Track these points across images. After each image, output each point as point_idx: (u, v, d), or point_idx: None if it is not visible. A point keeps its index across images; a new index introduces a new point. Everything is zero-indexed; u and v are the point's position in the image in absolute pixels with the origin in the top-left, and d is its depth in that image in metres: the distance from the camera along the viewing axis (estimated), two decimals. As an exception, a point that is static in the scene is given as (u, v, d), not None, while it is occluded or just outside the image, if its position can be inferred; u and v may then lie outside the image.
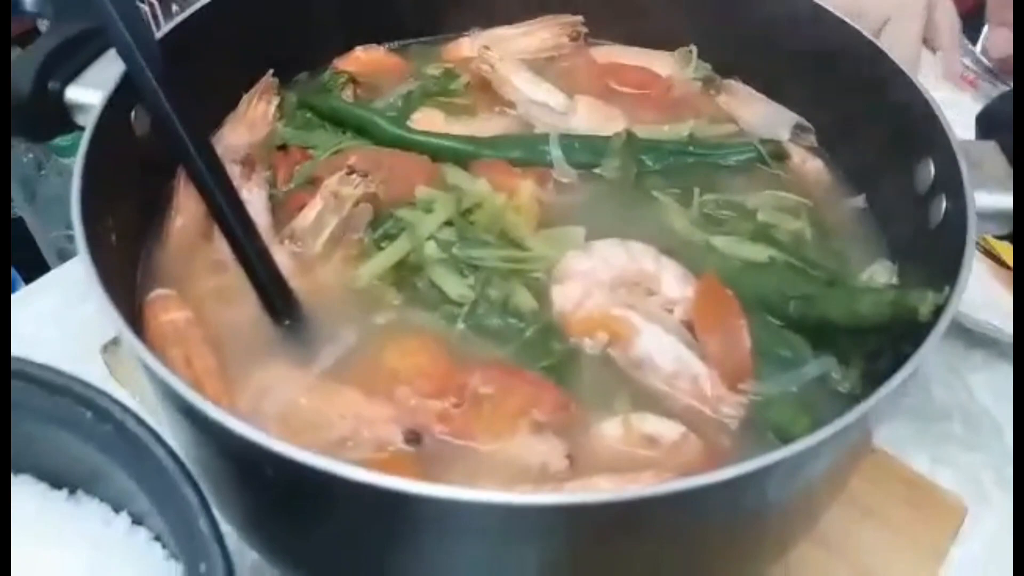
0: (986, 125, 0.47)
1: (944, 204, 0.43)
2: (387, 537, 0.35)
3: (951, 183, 0.43)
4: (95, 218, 0.39)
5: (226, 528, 0.42)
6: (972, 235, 0.39)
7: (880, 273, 0.48)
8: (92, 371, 0.55)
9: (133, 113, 0.45)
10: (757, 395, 0.42)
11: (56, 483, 0.41)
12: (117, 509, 0.41)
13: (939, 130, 0.44)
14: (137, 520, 0.40)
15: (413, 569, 0.37)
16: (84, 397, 0.36)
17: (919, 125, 0.46)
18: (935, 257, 0.42)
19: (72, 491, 0.42)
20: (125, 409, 0.35)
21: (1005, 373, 0.61)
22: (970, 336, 0.62)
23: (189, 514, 0.33)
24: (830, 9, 0.53)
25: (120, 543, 0.39)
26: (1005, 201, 0.42)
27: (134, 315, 0.44)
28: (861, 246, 0.51)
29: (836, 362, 0.43)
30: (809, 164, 0.55)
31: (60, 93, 0.44)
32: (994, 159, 0.44)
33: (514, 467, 0.39)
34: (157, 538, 0.39)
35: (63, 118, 0.45)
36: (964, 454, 0.57)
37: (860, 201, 0.53)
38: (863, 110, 0.52)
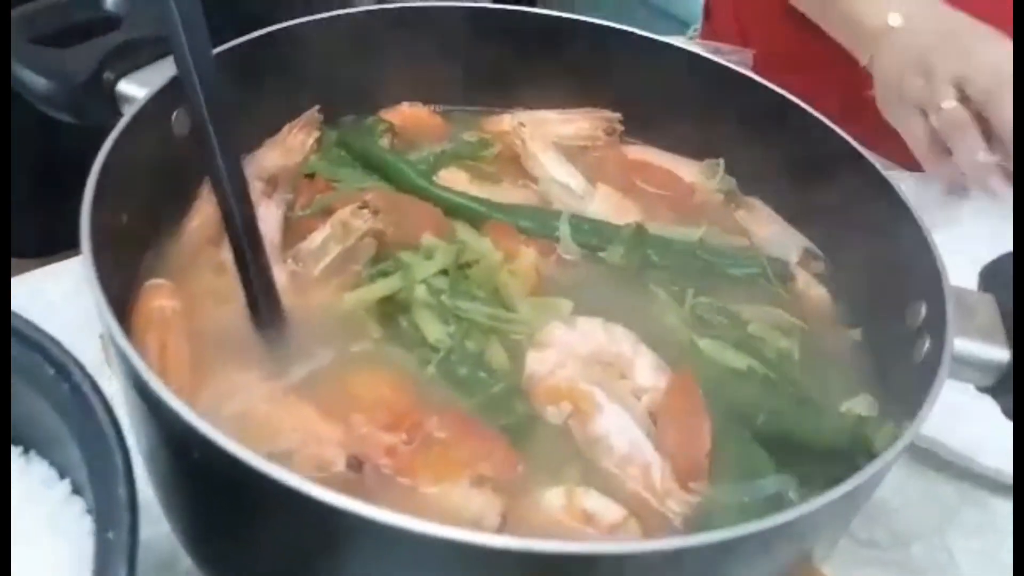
0: (988, 280, 0.47)
1: (927, 344, 0.43)
2: (307, 551, 0.35)
3: (937, 326, 0.43)
4: (109, 197, 0.42)
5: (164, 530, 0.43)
6: (943, 374, 0.38)
7: (860, 406, 0.47)
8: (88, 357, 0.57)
9: (175, 114, 0.48)
10: (706, 498, 0.41)
11: (15, 439, 0.43)
12: (62, 476, 0.41)
13: (935, 273, 0.45)
14: (77, 491, 0.41)
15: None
16: (50, 354, 0.37)
17: (919, 267, 0.47)
18: (913, 396, 0.42)
19: (26, 450, 0.43)
20: (84, 372, 0.37)
21: (991, 541, 0.59)
22: (963, 493, 0.60)
23: (112, 480, 0.33)
24: (864, 153, 0.54)
25: (56, 509, 0.40)
26: (991, 353, 0.42)
27: (128, 299, 0.46)
28: (848, 377, 0.50)
29: (796, 483, 0.42)
30: (813, 290, 0.56)
31: (113, 84, 0.48)
32: (988, 311, 0.44)
33: (447, 514, 0.39)
34: (89, 511, 0.40)
35: (112, 108, 0.48)
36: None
37: (856, 334, 0.53)
38: (871, 246, 0.52)
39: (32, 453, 0.43)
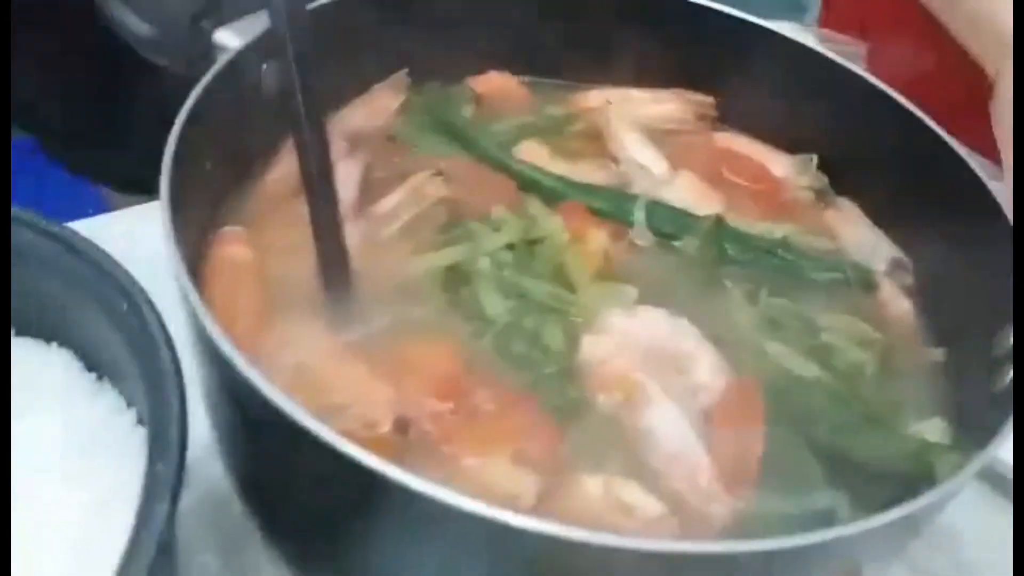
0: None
1: (1009, 375, 0.40)
2: (342, 510, 0.36)
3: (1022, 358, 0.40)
4: (195, 142, 0.43)
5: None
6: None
7: (930, 429, 0.45)
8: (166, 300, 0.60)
9: (265, 67, 0.49)
10: (752, 505, 0.40)
11: (91, 366, 0.45)
12: (129, 405, 0.44)
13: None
14: (140, 422, 0.43)
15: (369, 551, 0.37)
16: (125, 290, 0.39)
17: (1013, 290, 0.43)
18: (986, 426, 0.39)
19: (99, 377, 0.45)
20: (154, 312, 0.38)
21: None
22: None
23: (167, 419, 0.35)
24: (970, 163, 0.50)
25: (122, 436, 0.42)
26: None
27: (204, 243, 0.47)
28: (923, 399, 0.48)
29: (848, 501, 0.41)
30: (896, 303, 0.53)
31: (210, 32, 0.49)
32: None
33: (484, 487, 0.39)
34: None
35: (207, 55, 0.49)
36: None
37: (939, 355, 0.50)
38: (966, 262, 0.49)
39: (105, 380, 0.45)
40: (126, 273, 0.39)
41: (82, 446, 0.41)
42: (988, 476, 0.58)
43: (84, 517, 0.39)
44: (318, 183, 0.46)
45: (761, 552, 0.31)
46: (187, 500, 0.51)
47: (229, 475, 0.45)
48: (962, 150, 0.50)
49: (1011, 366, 0.40)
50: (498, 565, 0.33)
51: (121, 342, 0.39)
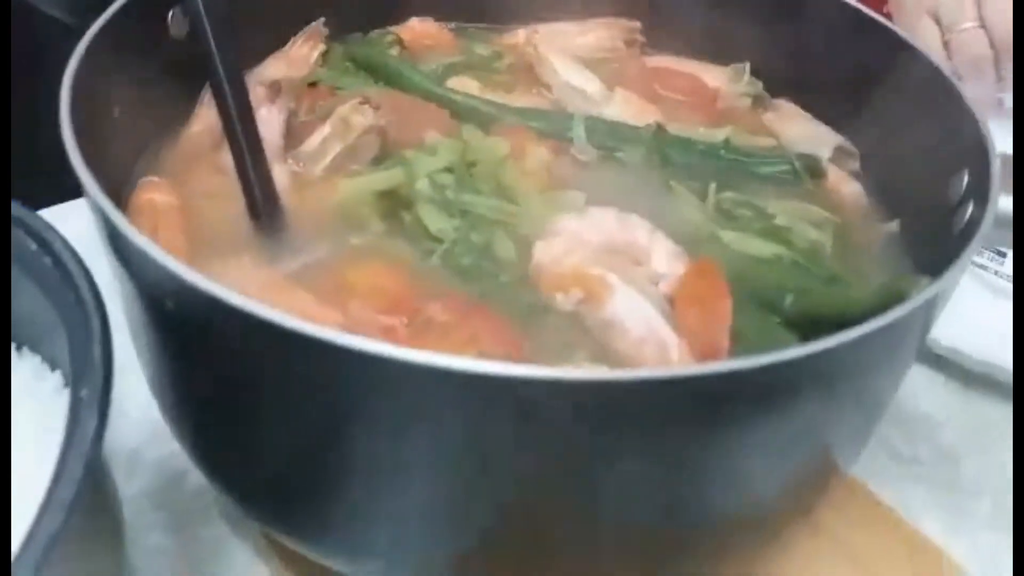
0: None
1: (970, 210, 0.39)
2: (314, 414, 0.33)
3: (981, 188, 0.39)
4: (95, 85, 0.40)
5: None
6: (988, 221, 0.35)
7: (897, 289, 0.44)
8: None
9: (171, 13, 0.47)
10: (728, 378, 0.38)
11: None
12: (52, 368, 0.40)
13: (979, 141, 0.41)
14: (67, 383, 0.40)
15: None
16: (30, 227, 0.36)
17: (962, 138, 0.43)
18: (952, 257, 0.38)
19: (19, 347, 0.42)
20: (65, 244, 0.36)
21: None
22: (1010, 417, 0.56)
23: (89, 341, 0.32)
24: (887, 24, 0.50)
25: (47, 400, 0.39)
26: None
27: (120, 196, 0.45)
28: (884, 266, 0.47)
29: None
30: (846, 187, 0.52)
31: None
32: (1034, 174, 0.40)
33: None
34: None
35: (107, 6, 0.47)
36: (987, 533, 0.50)
37: (894, 226, 0.49)
38: (908, 128, 0.48)
39: (25, 349, 0.42)
40: (32, 213, 0.36)
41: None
42: (956, 370, 0.58)
43: (19, 485, 0.35)
44: (239, 123, 0.44)
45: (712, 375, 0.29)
46: (136, 485, 0.49)
47: (176, 435, 0.42)
48: (879, 16, 0.50)
49: (969, 204, 0.40)
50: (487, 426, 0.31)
51: (34, 288, 0.36)
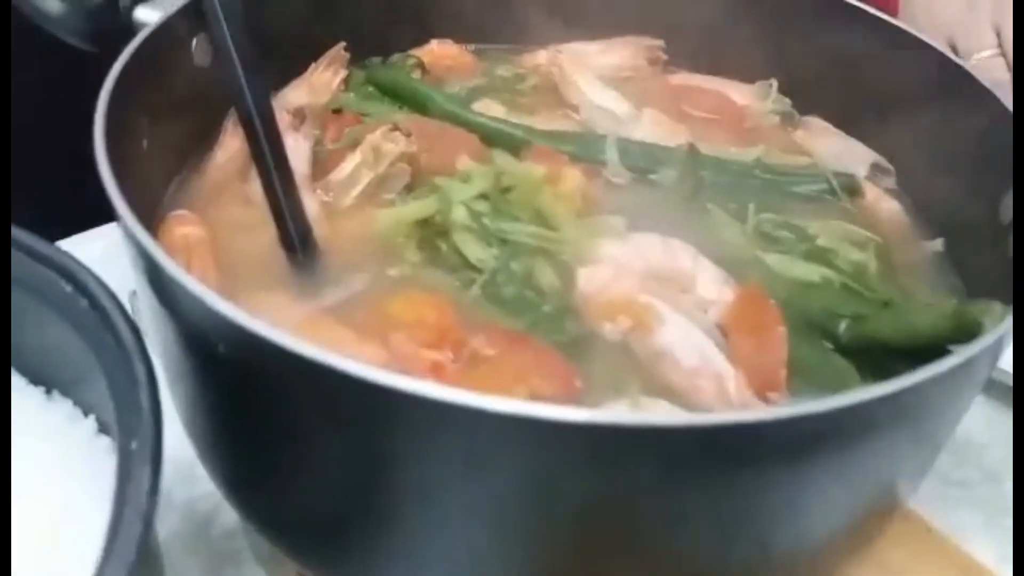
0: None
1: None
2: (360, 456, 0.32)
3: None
4: (126, 119, 0.39)
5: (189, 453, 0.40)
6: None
7: (949, 312, 0.43)
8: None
9: (195, 41, 0.46)
10: (788, 409, 0.37)
11: (37, 379, 0.40)
12: (86, 414, 0.39)
13: (1028, 157, 0.40)
14: (103, 430, 0.38)
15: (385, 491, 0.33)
16: (64, 268, 0.34)
17: (1006, 154, 0.42)
18: (1009, 287, 0.37)
19: (48, 390, 0.40)
20: (100, 283, 0.34)
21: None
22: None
23: (133, 389, 0.30)
24: (914, 33, 0.50)
25: (81, 446, 0.38)
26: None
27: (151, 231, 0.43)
28: (932, 287, 0.46)
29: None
30: (884, 204, 0.51)
31: (129, 11, 0.45)
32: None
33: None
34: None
35: (126, 34, 0.46)
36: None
37: (938, 245, 0.48)
38: (948, 145, 0.48)
39: (55, 393, 0.40)
40: (65, 253, 0.35)
41: (38, 461, 0.36)
42: (996, 390, 0.57)
43: (52, 535, 0.34)
44: (268, 151, 0.43)
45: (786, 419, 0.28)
46: (167, 527, 0.47)
47: (213, 475, 0.40)
48: (915, 31, 0.49)
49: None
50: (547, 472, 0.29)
51: (69, 330, 0.35)
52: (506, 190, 0.47)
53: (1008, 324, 0.31)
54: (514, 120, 0.54)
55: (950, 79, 0.47)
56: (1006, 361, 0.56)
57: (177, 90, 0.46)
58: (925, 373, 0.28)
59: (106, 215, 0.35)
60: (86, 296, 0.34)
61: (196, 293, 0.30)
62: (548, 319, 0.41)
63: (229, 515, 0.47)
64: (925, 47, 0.49)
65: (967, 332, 0.33)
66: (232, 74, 0.43)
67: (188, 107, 0.47)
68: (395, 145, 0.46)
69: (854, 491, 0.34)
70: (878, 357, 0.39)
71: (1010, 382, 0.56)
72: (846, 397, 0.28)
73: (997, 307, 0.33)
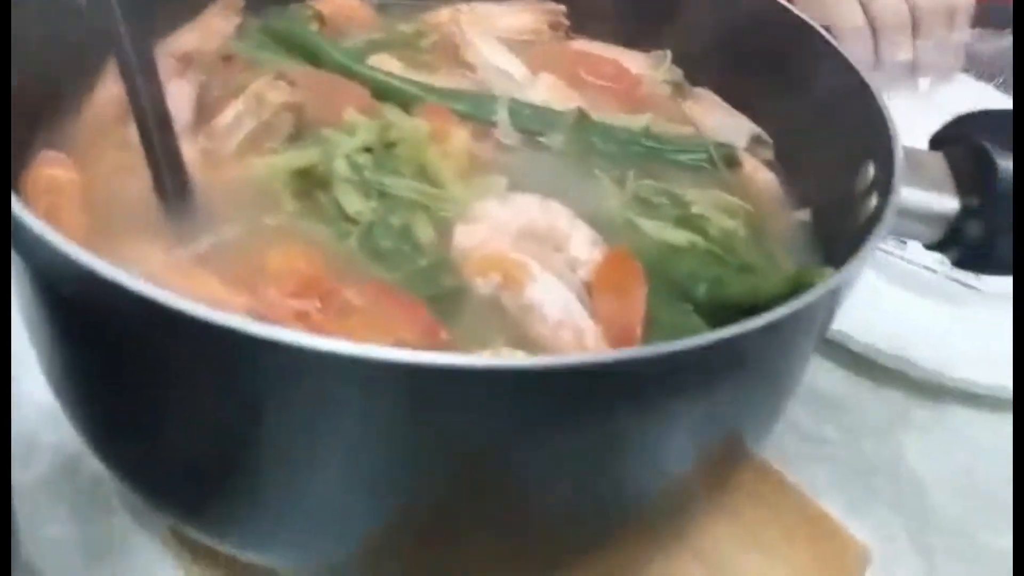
0: (938, 143, 0.45)
1: (874, 201, 0.41)
2: (218, 404, 0.32)
3: (885, 181, 0.40)
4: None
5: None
6: (889, 216, 0.36)
7: (806, 277, 0.45)
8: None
9: (72, -22, 0.44)
10: (642, 363, 0.39)
11: None
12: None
13: (883, 129, 0.42)
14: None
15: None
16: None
17: (869, 130, 0.44)
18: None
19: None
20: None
21: (940, 438, 0.57)
22: (912, 388, 0.59)
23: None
24: (795, 12, 0.52)
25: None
26: (940, 203, 0.40)
27: (16, 170, 0.42)
28: (795, 254, 0.48)
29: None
30: (760, 174, 0.53)
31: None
32: (938, 167, 0.42)
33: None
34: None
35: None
36: (883, 510, 0.53)
37: (805, 215, 0.51)
38: (819, 119, 0.50)
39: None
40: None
41: None
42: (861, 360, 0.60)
43: None
44: (144, 98, 0.42)
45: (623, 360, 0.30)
46: (28, 474, 0.46)
47: (74, 424, 0.40)
48: (797, 10, 0.51)
49: (873, 196, 0.41)
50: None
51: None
52: (391, 145, 0.47)
53: (834, 283, 0.33)
54: (410, 76, 0.54)
55: (819, 55, 0.49)
56: (858, 328, 0.60)
57: (55, 27, 0.44)
58: (755, 322, 0.30)
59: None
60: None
61: (46, 238, 0.29)
62: (423, 273, 0.42)
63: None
64: (802, 25, 0.50)
65: (802, 292, 0.35)
66: (110, 18, 0.42)
67: (67, 46, 0.45)
68: (279, 93, 0.46)
69: (698, 435, 0.36)
70: (732, 318, 0.41)
71: (850, 345, 0.60)
72: (678, 343, 0.29)
73: (828, 271, 0.35)
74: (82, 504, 0.45)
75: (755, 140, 0.55)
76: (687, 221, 0.47)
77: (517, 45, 0.60)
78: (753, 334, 0.30)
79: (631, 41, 0.61)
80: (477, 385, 0.30)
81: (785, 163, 0.54)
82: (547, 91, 0.56)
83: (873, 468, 0.55)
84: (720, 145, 0.53)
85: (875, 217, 0.37)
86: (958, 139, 0.43)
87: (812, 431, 0.56)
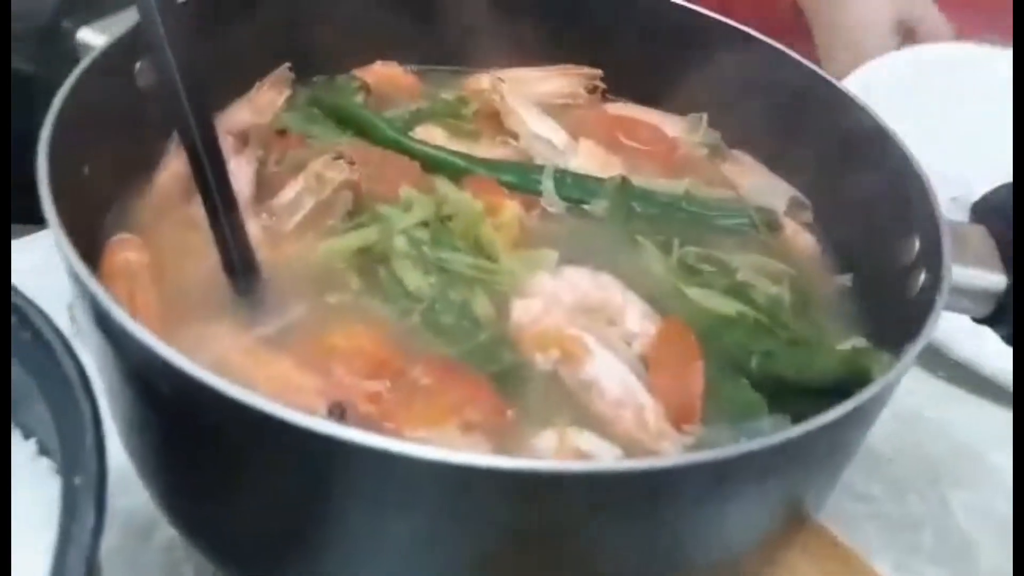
0: (979, 213, 0.46)
1: (923, 277, 0.42)
2: (297, 493, 0.34)
3: (932, 257, 0.42)
4: (68, 145, 0.40)
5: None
6: (942, 299, 0.37)
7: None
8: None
9: (138, 65, 0.46)
10: (700, 439, 0.40)
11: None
12: (27, 436, 0.39)
13: (928, 207, 0.44)
14: (43, 451, 0.39)
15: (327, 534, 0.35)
16: (11, 302, 0.35)
17: (911, 202, 0.46)
18: (908, 330, 0.41)
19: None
20: (45, 318, 0.35)
21: (987, 494, 0.58)
22: (955, 447, 0.60)
23: (79, 425, 0.31)
24: (843, 89, 0.53)
25: (21, 467, 0.38)
26: (988, 279, 0.41)
27: (92, 259, 0.44)
28: (840, 322, 0.49)
29: (791, 423, 0.41)
30: (800, 238, 0.55)
31: (72, 32, 0.45)
32: (982, 241, 0.43)
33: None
34: (58, 472, 0.38)
35: (72, 57, 0.46)
36: (930, 567, 0.53)
37: (846, 280, 0.52)
38: (860, 187, 0.51)
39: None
40: (9, 284, 0.35)
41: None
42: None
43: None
44: (211, 175, 0.44)
45: (702, 464, 0.31)
46: (105, 538, 0.47)
47: (152, 493, 0.41)
48: (830, 76, 0.53)
49: (922, 271, 0.42)
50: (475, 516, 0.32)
51: (12, 361, 0.35)
52: (446, 219, 0.49)
53: (895, 375, 0.34)
54: (454, 146, 0.56)
55: (861, 128, 0.50)
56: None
57: (120, 113, 0.46)
58: (839, 410, 0.31)
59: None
60: (30, 329, 0.34)
61: (136, 335, 0.31)
62: (483, 349, 0.43)
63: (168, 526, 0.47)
64: (842, 97, 0.52)
65: (857, 378, 0.36)
66: (175, 98, 0.44)
67: (131, 129, 0.47)
68: (338, 173, 0.48)
69: (767, 511, 0.37)
70: (785, 392, 0.42)
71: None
72: (769, 439, 0.31)
73: (885, 357, 0.36)
74: (154, 570, 0.46)
75: (794, 203, 0.56)
76: (734, 289, 0.48)
77: (555, 109, 0.62)
78: (838, 421, 0.31)
79: (669, 104, 0.63)
80: (575, 488, 0.31)
81: (823, 227, 0.55)
82: (587, 157, 0.57)
83: (920, 524, 0.56)
84: (761, 210, 0.55)
85: (927, 303, 0.38)
86: (997, 209, 0.44)
87: (861, 490, 0.57)
